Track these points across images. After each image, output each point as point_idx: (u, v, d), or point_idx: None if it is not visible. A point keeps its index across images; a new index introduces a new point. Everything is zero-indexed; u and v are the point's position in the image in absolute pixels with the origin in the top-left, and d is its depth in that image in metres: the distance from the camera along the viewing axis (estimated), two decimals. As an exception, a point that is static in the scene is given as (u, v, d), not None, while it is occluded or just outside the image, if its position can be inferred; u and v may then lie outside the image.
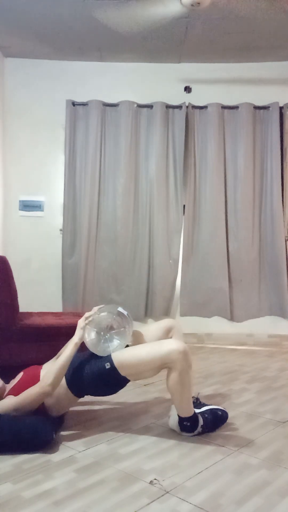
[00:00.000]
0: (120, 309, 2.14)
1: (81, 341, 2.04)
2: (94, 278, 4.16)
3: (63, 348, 2.20)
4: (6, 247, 4.16)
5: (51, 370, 1.98)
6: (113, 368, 1.98)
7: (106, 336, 2.05)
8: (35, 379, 2.08)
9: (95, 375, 2.01)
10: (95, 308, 2.13)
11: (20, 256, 4.16)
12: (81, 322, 2.07)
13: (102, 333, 2.05)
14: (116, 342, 2.05)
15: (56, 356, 2.25)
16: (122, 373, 1.98)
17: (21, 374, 2.20)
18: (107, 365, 1.98)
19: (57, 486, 1.61)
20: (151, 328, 2.33)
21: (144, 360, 1.96)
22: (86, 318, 2.07)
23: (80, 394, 2.09)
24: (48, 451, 1.89)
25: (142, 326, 2.35)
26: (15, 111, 4.24)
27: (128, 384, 2.07)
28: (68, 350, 2.02)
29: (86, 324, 2.06)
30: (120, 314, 2.11)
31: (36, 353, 2.76)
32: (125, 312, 2.13)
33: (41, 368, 2.18)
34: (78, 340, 2.03)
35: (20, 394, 1.98)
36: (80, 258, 4.09)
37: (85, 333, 2.05)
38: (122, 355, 2.00)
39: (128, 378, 2.01)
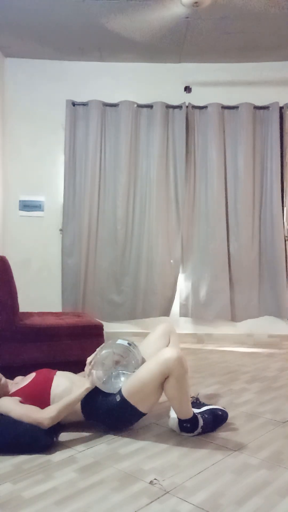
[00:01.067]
0: (119, 341, 2.15)
1: (94, 386, 2.04)
2: (94, 278, 4.16)
3: (80, 374, 2.20)
4: (6, 247, 4.15)
5: (57, 406, 1.96)
6: (122, 399, 1.99)
7: (114, 373, 2.07)
8: (46, 386, 2.08)
9: (108, 410, 2.02)
10: (97, 349, 2.14)
11: (20, 256, 4.16)
12: (86, 369, 2.08)
13: (109, 372, 2.07)
14: (124, 375, 2.06)
15: (80, 374, 2.23)
16: (131, 401, 1.98)
17: (33, 375, 2.19)
18: (118, 398, 2.00)
19: (57, 486, 1.61)
20: (151, 340, 2.34)
21: (146, 379, 1.96)
22: (89, 363, 2.08)
23: (89, 419, 2.10)
24: (48, 451, 1.89)
25: (141, 341, 2.36)
26: (15, 111, 4.24)
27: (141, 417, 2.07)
28: (78, 394, 2.00)
29: (91, 369, 2.06)
30: (119, 346, 2.12)
31: (36, 353, 2.76)
32: (125, 343, 2.14)
33: (55, 374, 2.17)
34: (90, 385, 2.03)
35: (22, 408, 1.96)
36: (80, 258, 4.09)
37: (94, 377, 2.05)
38: (128, 383, 2.01)
39: (139, 407, 2.00)
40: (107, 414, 2.04)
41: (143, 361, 2.13)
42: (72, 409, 2.01)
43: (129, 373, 2.06)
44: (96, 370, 2.06)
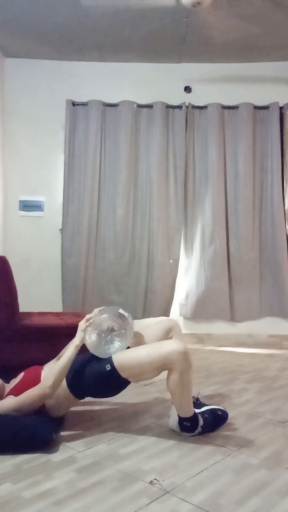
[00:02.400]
0: (121, 311, 2.13)
1: (82, 343, 2.04)
2: (94, 278, 4.16)
3: (64, 349, 2.20)
4: (6, 247, 4.16)
5: (52, 372, 1.98)
6: (113, 369, 1.97)
7: (107, 338, 2.05)
8: (36, 380, 2.08)
9: (96, 377, 2.01)
10: (96, 310, 2.13)
11: (20, 256, 4.16)
12: (82, 324, 2.06)
13: (103, 335, 2.05)
14: (117, 344, 2.04)
15: (57, 357, 2.24)
16: (123, 374, 1.98)
17: (22, 374, 2.20)
18: (108, 367, 1.98)
19: (57, 486, 1.61)
20: (152, 328, 2.33)
21: (144, 362, 1.96)
22: (87, 320, 2.07)
23: (80, 396, 2.09)
24: (48, 451, 1.89)
25: (142, 327, 2.35)
26: (15, 111, 4.24)
27: (128, 385, 2.07)
28: (68, 352, 2.01)
29: (87, 326, 2.05)
30: (121, 316, 2.11)
31: (36, 353, 2.76)
32: (126, 314, 2.13)
33: (42, 369, 2.18)
34: (79, 342, 2.03)
35: (21, 395, 1.98)
36: (80, 258, 4.09)
37: (86, 335, 2.04)
38: (123, 357, 1.99)
39: (129, 379, 2.01)
40: (95, 382, 2.02)
41: (140, 340, 2.14)
42: (66, 371, 2.00)
43: (121, 343, 2.04)
44: (91, 329, 2.04)
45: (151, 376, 2.02)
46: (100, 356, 2.03)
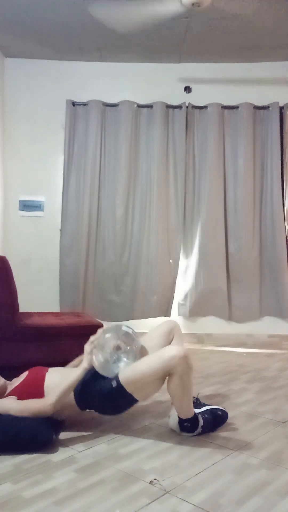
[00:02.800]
0: (124, 328, 2.14)
1: (91, 366, 2.03)
2: (93, 278, 4.16)
3: (75, 360, 2.20)
4: (6, 247, 4.16)
5: (56, 390, 1.96)
6: (119, 385, 1.98)
7: (114, 357, 2.06)
8: (40, 382, 2.08)
9: (103, 395, 2.01)
10: (100, 331, 2.13)
11: (20, 256, 4.16)
12: (87, 348, 2.07)
13: (109, 355, 2.06)
14: (124, 361, 2.05)
15: (71, 364, 2.23)
16: (129, 390, 1.97)
17: (25, 373, 2.19)
18: (114, 384, 1.99)
19: (57, 486, 1.61)
20: (153, 335, 2.33)
21: (147, 373, 1.95)
22: (92, 343, 2.07)
23: (84, 408, 2.10)
24: (48, 451, 1.89)
25: (144, 335, 2.35)
26: (15, 111, 4.24)
27: (136, 403, 2.07)
28: (76, 375, 2.00)
29: (92, 348, 2.05)
30: (125, 333, 2.12)
31: (36, 353, 2.76)
32: (130, 331, 2.13)
33: (47, 371, 2.17)
34: (87, 365, 2.02)
35: (21, 403, 1.97)
36: (79, 258, 4.09)
37: (93, 357, 2.04)
38: (127, 371, 2.00)
39: (135, 396, 2.00)
40: (102, 399, 2.02)
41: (142, 352, 2.12)
42: (71, 392, 2.00)
43: (128, 360, 2.05)
44: (96, 351, 2.05)
45: (156, 388, 2.02)
46: (108, 376, 2.03)
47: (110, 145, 4.20)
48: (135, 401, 2.03)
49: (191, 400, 2.03)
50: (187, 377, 1.94)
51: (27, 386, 2.08)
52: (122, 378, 1.98)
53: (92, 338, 2.09)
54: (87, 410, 2.12)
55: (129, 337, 2.11)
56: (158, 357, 1.96)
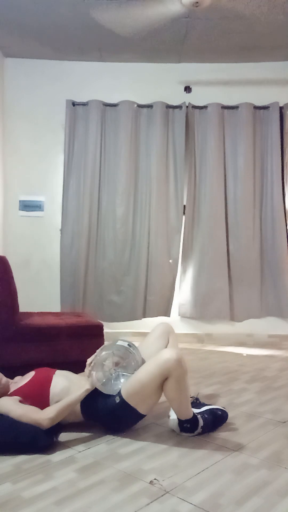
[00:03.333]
0: (119, 342, 2.15)
1: (93, 387, 2.03)
2: (94, 278, 4.16)
3: (81, 373, 2.20)
4: (6, 247, 4.16)
5: (57, 406, 1.96)
6: (122, 400, 1.98)
7: (114, 375, 2.07)
8: (46, 384, 2.08)
9: (108, 412, 2.02)
10: (97, 351, 2.13)
11: (20, 256, 4.16)
12: (86, 371, 2.07)
13: (108, 373, 2.07)
14: (124, 377, 2.06)
15: (80, 374, 2.23)
16: (131, 403, 1.98)
17: (32, 373, 2.19)
18: (117, 399, 2.00)
19: (57, 486, 1.61)
20: (150, 341, 2.34)
21: (146, 382, 1.96)
22: (89, 365, 2.08)
23: (88, 420, 2.10)
24: (48, 451, 1.89)
25: (141, 342, 2.36)
26: (15, 111, 4.24)
27: (141, 419, 2.08)
28: (78, 395, 2.00)
29: (91, 370, 2.06)
30: (120, 348, 2.12)
31: (36, 353, 2.76)
32: (125, 344, 2.13)
33: (54, 374, 2.17)
34: (90, 387, 2.03)
35: (22, 408, 1.96)
36: (79, 258, 4.09)
37: (94, 378, 2.04)
38: (127, 385, 2.00)
39: (139, 409, 2.00)
40: (107, 416, 2.04)
41: (143, 362, 2.13)
42: (72, 410, 2.01)
43: (128, 374, 2.06)
44: (96, 371, 2.06)
45: (157, 397, 2.02)
46: (111, 394, 2.03)
47: (110, 145, 4.20)
48: (140, 416, 2.04)
49: (189, 401, 2.03)
50: (182, 379, 1.95)
51: (32, 387, 2.08)
52: (123, 392, 2.00)
53: (89, 359, 2.10)
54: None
55: (126, 351, 2.11)
56: (154, 363, 1.97)
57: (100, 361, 2.08)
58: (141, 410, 2.01)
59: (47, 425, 1.91)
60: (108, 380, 2.06)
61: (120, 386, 2.03)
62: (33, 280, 4.19)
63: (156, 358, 1.99)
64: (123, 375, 2.07)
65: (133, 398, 1.98)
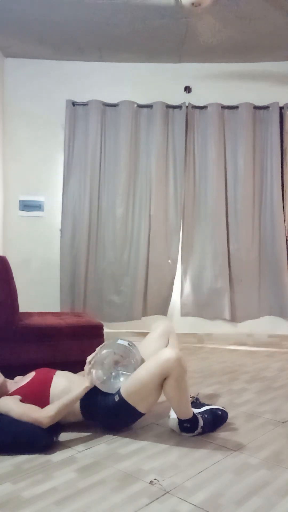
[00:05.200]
0: (120, 341, 2.15)
1: (93, 385, 2.04)
2: (93, 278, 4.16)
3: (79, 374, 2.21)
4: (6, 247, 4.16)
5: (56, 405, 1.96)
6: (121, 399, 1.99)
7: (114, 373, 2.07)
8: (46, 384, 2.09)
9: (107, 410, 2.02)
10: (97, 349, 2.14)
11: (20, 256, 4.16)
12: (86, 368, 2.08)
13: (108, 371, 2.07)
14: (124, 376, 2.06)
15: (79, 374, 2.23)
16: (130, 401, 1.98)
17: (33, 374, 2.20)
18: (116, 398, 2.00)
19: (57, 486, 1.61)
20: (150, 340, 2.34)
21: (145, 380, 1.96)
22: (89, 362, 2.08)
23: (88, 419, 2.10)
24: (48, 451, 1.89)
25: (140, 343, 2.35)
26: (15, 111, 4.24)
27: (140, 418, 2.08)
28: (78, 393, 2.00)
29: (91, 368, 2.06)
30: (121, 346, 2.13)
31: (36, 353, 2.76)
32: (125, 343, 2.14)
33: (54, 374, 2.17)
34: (89, 384, 2.03)
35: (22, 407, 1.96)
36: (79, 258, 4.09)
37: (93, 376, 2.05)
38: (127, 384, 2.01)
39: (138, 407, 2.00)
40: (106, 414, 2.04)
41: (143, 361, 2.13)
42: (71, 408, 2.01)
43: (128, 373, 2.06)
44: (95, 369, 2.06)
45: (156, 396, 2.03)
46: (110, 392, 2.04)
47: (110, 145, 4.20)
48: (139, 414, 2.04)
49: (188, 401, 2.03)
50: (182, 379, 1.95)
51: (33, 387, 2.09)
52: (123, 391, 2.00)
53: (89, 357, 2.10)
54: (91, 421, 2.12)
55: (126, 350, 2.12)
56: (154, 362, 1.98)
57: (100, 359, 2.09)
58: (140, 408, 2.01)
59: (47, 423, 1.92)
60: (107, 379, 2.06)
61: (119, 385, 2.04)
62: (33, 280, 4.19)
63: (156, 358, 1.99)
64: (122, 373, 2.07)
65: (133, 397, 1.98)
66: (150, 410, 2.10)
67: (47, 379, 2.12)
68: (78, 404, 2.06)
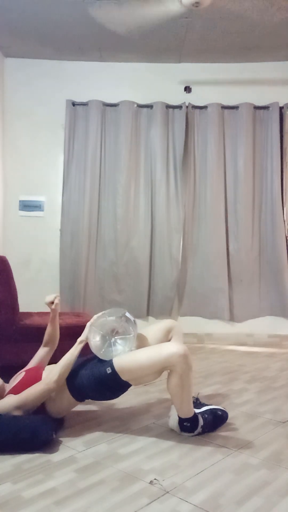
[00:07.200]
0: (127, 314, 2.14)
1: (86, 339, 2.05)
2: (94, 278, 4.16)
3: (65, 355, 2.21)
4: (6, 247, 4.15)
5: (56, 367, 2.00)
6: (114, 373, 1.97)
7: (111, 340, 2.06)
8: (37, 380, 2.08)
9: (97, 380, 2.01)
10: (105, 311, 2.14)
11: (20, 256, 4.16)
12: (88, 323, 2.10)
13: (107, 336, 2.06)
14: (119, 347, 2.05)
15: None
16: (123, 378, 1.98)
17: (22, 373, 2.20)
18: (108, 370, 1.99)
19: (57, 486, 1.61)
20: (152, 329, 2.33)
21: (144, 365, 1.96)
22: (93, 319, 2.09)
23: (81, 399, 2.09)
24: (48, 451, 1.89)
25: (142, 328, 2.35)
26: (15, 111, 4.24)
27: (129, 388, 2.07)
28: (73, 349, 2.04)
29: (92, 325, 2.06)
30: (127, 319, 2.11)
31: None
32: (132, 318, 2.13)
33: (43, 370, 2.19)
34: (83, 337, 2.05)
35: (23, 392, 1.98)
36: (79, 258, 4.09)
37: (90, 333, 2.05)
38: (123, 360, 1.99)
39: (130, 382, 2.01)
40: (96, 385, 2.02)
41: (142, 340, 2.15)
42: (70, 367, 2.02)
43: (123, 347, 2.05)
44: (95, 329, 2.05)
45: (151, 379, 2.02)
46: (101, 358, 2.04)
47: (110, 145, 4.20)
48: (128, 386, 2.04)
49: (191, 399, 2.03)
50: (186, 376, 1.94)
51: (25, 385, 2.09)
52: (117, 366, 1.98)
53: (95, 316, 2.11)
54: (82, 401, 2.12)
55: (130, 324, 2.10)
56: (157, 351, 1.96)
57: (104, 322, 2.08)
58: (132, 383, 2.03)
59: (55, 387, 1.96)
60: (102, 343, 2.05)
61: (112, 354, 2.03)
62: (33, 280, 4.19)
63: (160, 347, 1.98)
64: (118, 344, 2.05)
65: (127, 374, 1.98)
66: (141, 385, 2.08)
67: (37, 376, 2.13)
68: (65, 383, 2.04)
